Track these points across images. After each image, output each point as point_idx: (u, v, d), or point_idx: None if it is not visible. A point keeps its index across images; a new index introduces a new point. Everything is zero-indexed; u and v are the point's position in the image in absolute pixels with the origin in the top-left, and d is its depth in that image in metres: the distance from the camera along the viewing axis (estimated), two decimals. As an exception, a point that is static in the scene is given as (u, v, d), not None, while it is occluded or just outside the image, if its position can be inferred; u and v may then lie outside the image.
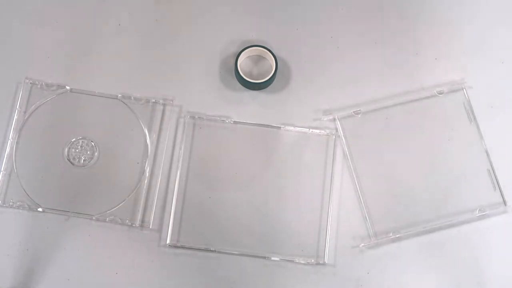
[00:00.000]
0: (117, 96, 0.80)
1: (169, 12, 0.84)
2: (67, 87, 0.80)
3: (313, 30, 0.84)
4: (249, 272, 0.76)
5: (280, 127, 0.80)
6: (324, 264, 0.76)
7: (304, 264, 0.76)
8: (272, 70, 0.80)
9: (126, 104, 0.80)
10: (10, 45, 0.83)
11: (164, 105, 0.80)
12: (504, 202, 0.78)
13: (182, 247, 0.76)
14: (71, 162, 0.78)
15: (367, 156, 0.79)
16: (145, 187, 0.78)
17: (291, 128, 0.80)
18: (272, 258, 0.76)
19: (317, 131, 0.79)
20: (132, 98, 0.80)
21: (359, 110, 0.80)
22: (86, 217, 0.77)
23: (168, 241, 0.76)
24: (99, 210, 0.77)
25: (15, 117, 0.79)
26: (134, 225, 0.76)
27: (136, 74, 0.82)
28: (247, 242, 0.76)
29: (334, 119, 0.80)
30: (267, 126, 0.80)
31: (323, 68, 0.83)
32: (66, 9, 0.84)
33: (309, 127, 0.80)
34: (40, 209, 0.77)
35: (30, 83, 0.80)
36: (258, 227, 0.77)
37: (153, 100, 0.80)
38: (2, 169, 0.78)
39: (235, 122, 0.80)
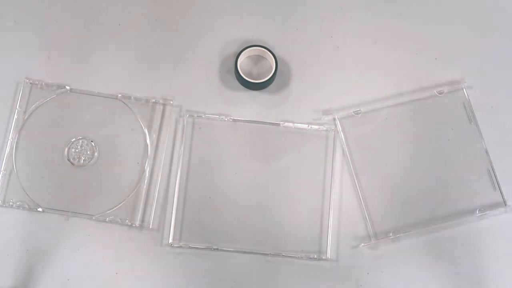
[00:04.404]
0: (117, 96, 0.80)
1: (169, 12, 0.84)
2: (67, 87, 0.80)
3: (313, 30, 0.84)
4: (252, 269, 0.76)
5: (279, 123, 0.80)
6: (326, 259, 0.76)
7: (306, 259, 0.76)
8: (272, 70, 0.80)
9: (126, 104, 0.80)
10: (10, 45, 0.83)
11: (164, 105, 0.80)
12: (504, 202, 0.78)
13: (184, 246, 0.76)
14: (71, 162, 0.79)
15: (367, 156, 0.79)
16: (145, 187, 0.78)
17: (290, 124, 0.80)
18: (274, 255, 0.76)
19: (316, 126, 0.79)
20: (132, 98, 0.80)
21: (359, 110, 0.80)
22: (86, 217, 0.77)
23: (170, 241, 0.76)
24: (99, 210, 0.77)
25: (15, 117, 0.79)
26: (134, 225, 0.76)
27: (136, 74, 0.82)
28: (248, 240, 0.76)
29: (334, 119, 0.80)
30: (266, 123, 0.80)
31: (323, 68, 0.83)
32: (66, 9, 0.84)
33: (308, 123, 0.80)
34: (40, 209, 0.77)
35: (30, 83, 0.80)
36: (259, 224, 0.77)
37: (153, 100, 0.80)
38: (2, 169, 0.78)
39: (234, 120, 0.80)
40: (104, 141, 0.79)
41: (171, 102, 0.80)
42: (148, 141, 0.79)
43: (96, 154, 0.79)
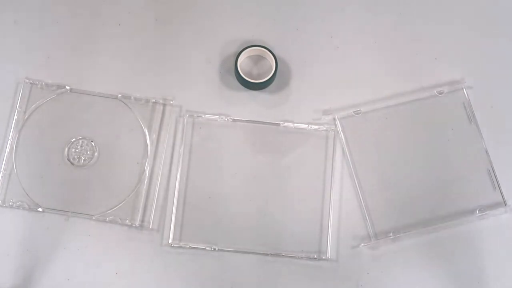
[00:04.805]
0: (117, 96, 0.80)
1: (169, 12, 0.84)
2: (67, 87, 0.80)
3: (313, 30, 0.84)
4: (252, 269, 0.76)
5: (279, 123, 0.80)
6: (326, 259, 0.76)
7: (306, 259, 0.76)
8: (272, 70, 0.80)
9: (126, 104, 0.80)
10: (10, 45, 0.83)
11: (164, 105, 0.80)
12: (504, 202, 0.78)
13: (184, 246, 0.76)
14: (71, 162, 0.79)
15: (367, 156, 0.79)
16: (145, 187, 0.78)
17: (290, 124, 0.80)
18: (274, 255, 0.76)
19: (316, 126, 0.79)
20: (132, 98, 0.80)
21: (359, 110, 0.80)
22: (86, 217, 0.77)
23: (170, 241, 0.76)
24: (99, 210, 0.77)
25: (15, 117, 0.79)
26: (134, 225, 0.76)
27: (136, 74, 0.82)
28: (248, 240, 0.76)
29: (334, 119, 0.80)
30: (266, 123, 0.80)
31: (323, 68, 0.83)
32: (66, 9, 0.84)
33: (308, 123, 0.80)
34: (40, 209, 0.77)
35: (30, 83, 0.80)
36: (259, 224, 0.77)
37: (153, 100, 0.80)
38: (2, 169, 0.78)
39: (234, 120, 0.80)
40: (104, 141, 0.79)
41: (171, 102, 0.80)
42: (148, 141, 0.79)
43: (96, 154, 0.79)
